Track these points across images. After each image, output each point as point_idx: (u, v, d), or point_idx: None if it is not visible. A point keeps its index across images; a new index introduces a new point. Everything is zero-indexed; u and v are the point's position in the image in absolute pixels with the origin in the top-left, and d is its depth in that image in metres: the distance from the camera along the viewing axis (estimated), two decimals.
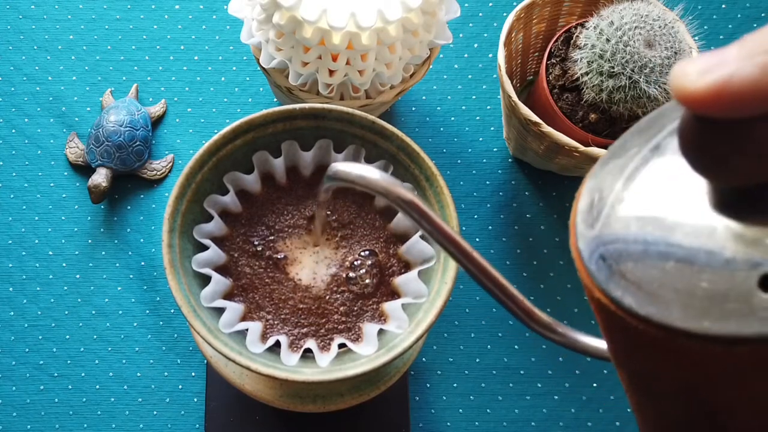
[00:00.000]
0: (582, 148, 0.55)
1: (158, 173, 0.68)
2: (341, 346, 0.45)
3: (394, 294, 0.46)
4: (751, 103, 0.16)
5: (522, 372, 0.64)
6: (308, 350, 0.44)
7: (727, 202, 0.19)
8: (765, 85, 0.16)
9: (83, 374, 0.64)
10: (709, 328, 0.18)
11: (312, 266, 0.47)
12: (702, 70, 0.17)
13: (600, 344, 0.28)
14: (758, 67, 0.16)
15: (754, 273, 0.18)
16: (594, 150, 0.55)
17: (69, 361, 0.64)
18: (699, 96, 0.17)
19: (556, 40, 0.61)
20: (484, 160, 0.69)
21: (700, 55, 0.17)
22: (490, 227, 0.68)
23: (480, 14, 0.73)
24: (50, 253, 0.66)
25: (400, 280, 0.46)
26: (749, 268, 0.18)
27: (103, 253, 0.67)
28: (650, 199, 0.20)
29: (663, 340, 0.19)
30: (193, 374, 0.64)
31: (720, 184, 0.19)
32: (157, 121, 0.70)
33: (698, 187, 0.20)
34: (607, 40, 0.54)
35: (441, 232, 0.28)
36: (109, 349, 0.64)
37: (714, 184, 0.19)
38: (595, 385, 0.64)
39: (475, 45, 0.72)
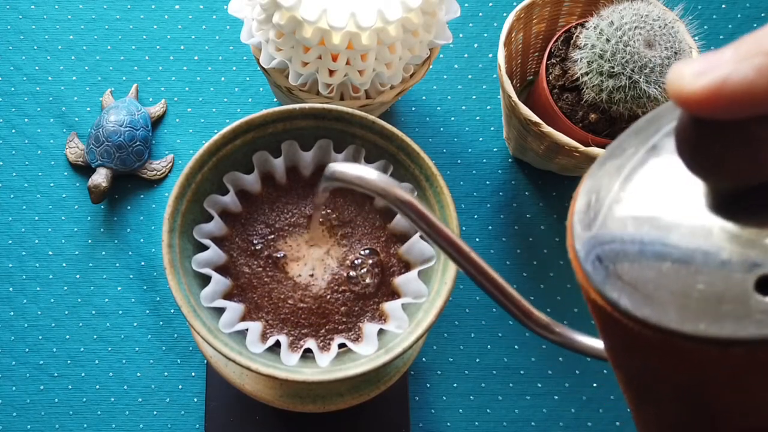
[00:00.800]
0: (582, 148, 0.55)
1: (158, 173, 0.68)
2: (341, 346, 0.45)
3: (394, 294, 0.46)
4: (746, 104, 0.17)
5: (522, 372, 0.64)
6: (308, 350, 0.44)
7: (723, 204, 0.19)
8: (760, 87, 0.16)
9: (83, 374, 0.64)
10: (705, 331, 0.18)
11: (312, 265, 0.46)
12: (698, 71, 0.17)
13: (598, 344, 0.28)
14: (754, 69, 0.16)
15: (751, 275, 0.18)
16: (594, 150, 0.55)
17: (69, 361, 0.64)
18: (695, 97, 0.17)
19: (556, 40, 0.61)
20: (484, 160, 0.69)
21: (697, 57, 0.18)
22: (490, 227, 0.68)
23: (480, 14, 0.73)
24: (50, 253, 0.66)
25: (400, 280, 0.46)
26: (745, 270, 0.18)
27: (103, 253, 0.67)
28: (647, 199, 0.20)
29: (659, 341, 0.19)
30: (193, 374, 0.64)
31: (716, 186, 0.19)
32: (157, 121, 0.70)
33: (695, 188, 0.20)
34: (607, 40, 0.54)
35: (439, 233, 0.28)
36: (109, 349, 0.64)
37: (710, 185, 0.19)
38: (595, 385, 0.64)
39: (475, 45, 0.72)
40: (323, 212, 0.48)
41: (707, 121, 0.18)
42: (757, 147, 0.17)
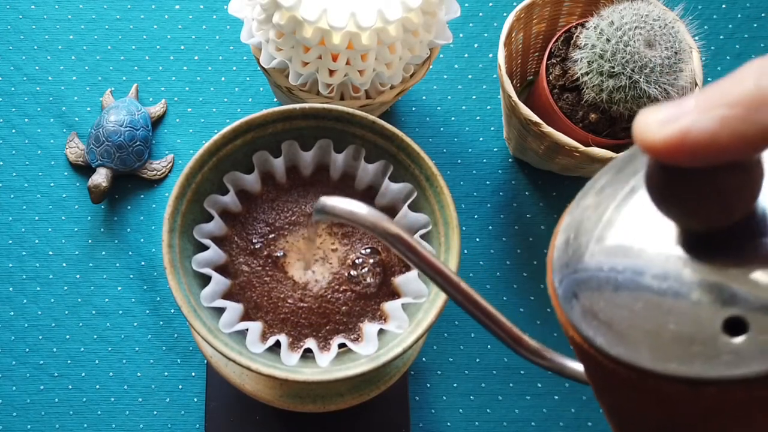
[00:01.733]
0: (582, 148, 0.55)
1: (158, 173, 0.68)
2: (341, 345, 0.45)
3: (395, 294, 0.46)
4: (707, 153, 0.17)
5: (522, 372, 0.64)
6: (308, 350, 0.44)
7: (694, 244, 0.20)
8: (720, 138, 0.17)
9: (83, 374, 0.64)
10: (675, 370, 0.19)
11: (312, 264, 0.46)
12: (663, 120, 0.18)
13: None
14: (715, 121, 0.17)
15: (719, 315, 0.18)
16: (594, 150, 0.55)
17: (69, 361, 0.64)
18: (659, 146, 0.18)
19: (556, 40, 0.61)
20: (484, 160, 0.69)
21: (662, 105, 0.18)
22: (490, 227, 0.68)
23: (480, 14, 0.73)
24: (50, 253, 0.66)
25: (400, 280, 0.46)
26: (714, 311, 0.18)
27: (103, 253, 0.67)
28: (623, 238, 0.21)
29: (634, 379, 0.20)
30: (193, 374, 0.64)
31: (685, 227, 0.20)
32: (157, 121, 0.70)
33: (669, 228, 0.20)
34: (608, 40, 0.54)
35: (429, 266, 0.29)
36: (109, 349, 0.64)
37: (681, 227, 0.20)
38: None
39: (475, 45, 0.72)
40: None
41: (674, 168, 0.18)
42: (722, 193, 0.18)
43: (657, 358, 0.19)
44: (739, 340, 0.18)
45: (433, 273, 0.28)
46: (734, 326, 0.18)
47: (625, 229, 0.21)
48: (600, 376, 0.22)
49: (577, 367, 0.28)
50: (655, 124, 0.18)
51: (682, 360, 0.18)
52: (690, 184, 0.18)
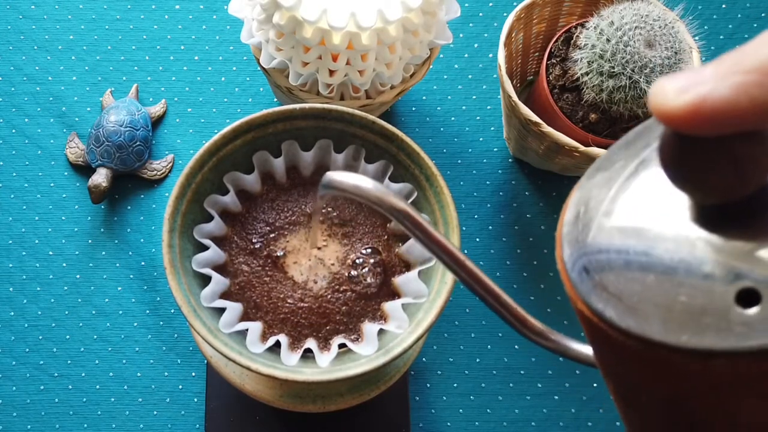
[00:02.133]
0: (582, 148, 0.55)
1: (158, 173, 0.68)
2: (341, 346, 0.45)
3: (395, 294, 0.46)
4: (725, 121, 0.17)
5: (522, 372, 0.64)
6: (308, 350, 0.44)
7: (707, 216, 0.19)
8: (738, 105, 0.17)
9: (83, 374, 0.64)
10: (686, 342, 0.18)
11: (312, 264, 0.46)
12: (680, 88, 0.17)
13: (591, 352, 0.28)
14: (732, 88, 0.17)
15: (732, 287, 0.18)
16: (594, 150, 0.55)
17: (69, 361, 0.64)
18: (676, 114, 0.17)
19: (556, 40, 0.61)
20: (484, 160, 0.69)
21: (678, 73, 0.18)
22: (490, 227, 0.68)
23: (480, 14, 0.73)
24: (50, 253, 0.66)
25: (400, 280, 0.46)
26: (727, 283, 0.18)
27: (103, 253, 0.67)
28: (634, 212, 0.21)
29: (643, 352, 0.20)
30: (193, 374, 0.64)
31: (699, 199, 0.19)
32: (157, 121, 0.70)
33: (681, 201, 0.20)
34: (608, 40, 0.54)
35: (434, 242, 0.28)
36: (109, 349, 0.64)
37: (694, 199, 0.20)
38: (595, 385, 0.64)
39: (475, 45, 0.72)
40: (324, 210, 0.48)
41: (690, 138, 0.18)
42: (738, 163, 0.18)
43: (668, 330, 0.19)
44: (752, 311, 0.18)
45: (438, 250, 0.28)
46: (747, 298, 0.18)
47: (636, 203, 0.21)
48: (608, 350, 0.21)
49: (581, 348, 0.28)
50: (672, 92, 0.18)
51: (694, 332, 0.18)
52: (705, 154, 0.18)
